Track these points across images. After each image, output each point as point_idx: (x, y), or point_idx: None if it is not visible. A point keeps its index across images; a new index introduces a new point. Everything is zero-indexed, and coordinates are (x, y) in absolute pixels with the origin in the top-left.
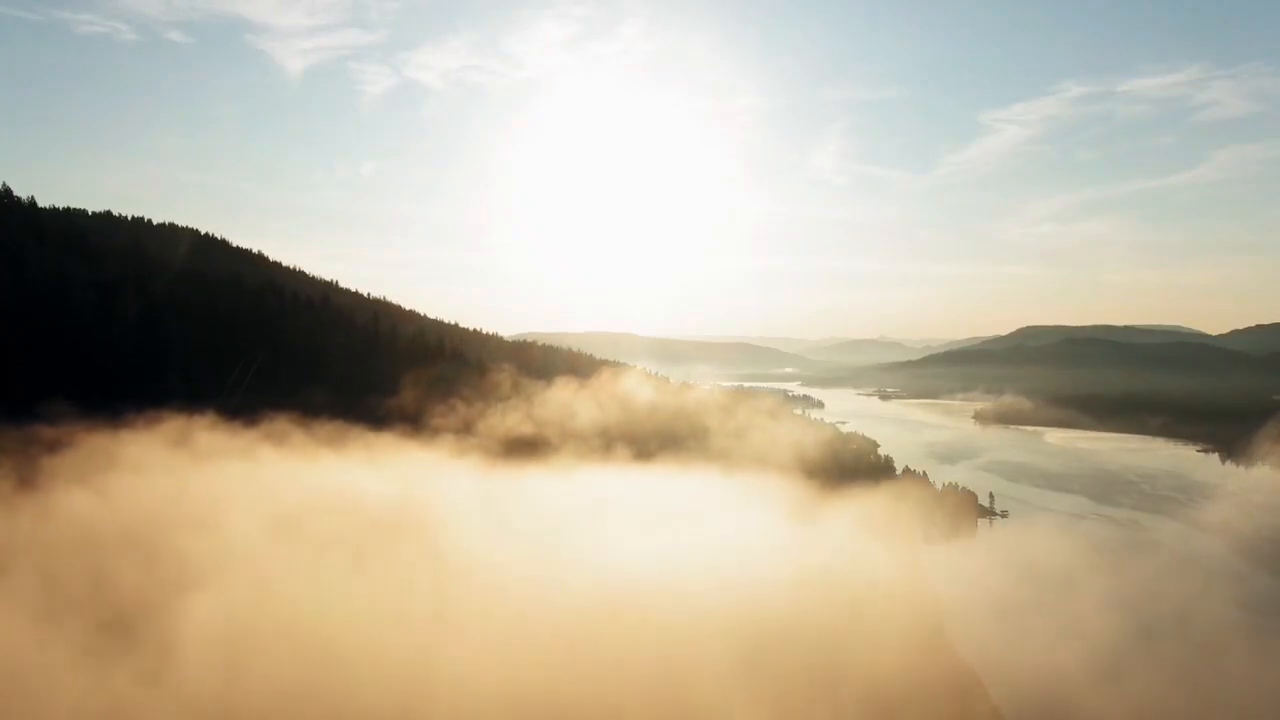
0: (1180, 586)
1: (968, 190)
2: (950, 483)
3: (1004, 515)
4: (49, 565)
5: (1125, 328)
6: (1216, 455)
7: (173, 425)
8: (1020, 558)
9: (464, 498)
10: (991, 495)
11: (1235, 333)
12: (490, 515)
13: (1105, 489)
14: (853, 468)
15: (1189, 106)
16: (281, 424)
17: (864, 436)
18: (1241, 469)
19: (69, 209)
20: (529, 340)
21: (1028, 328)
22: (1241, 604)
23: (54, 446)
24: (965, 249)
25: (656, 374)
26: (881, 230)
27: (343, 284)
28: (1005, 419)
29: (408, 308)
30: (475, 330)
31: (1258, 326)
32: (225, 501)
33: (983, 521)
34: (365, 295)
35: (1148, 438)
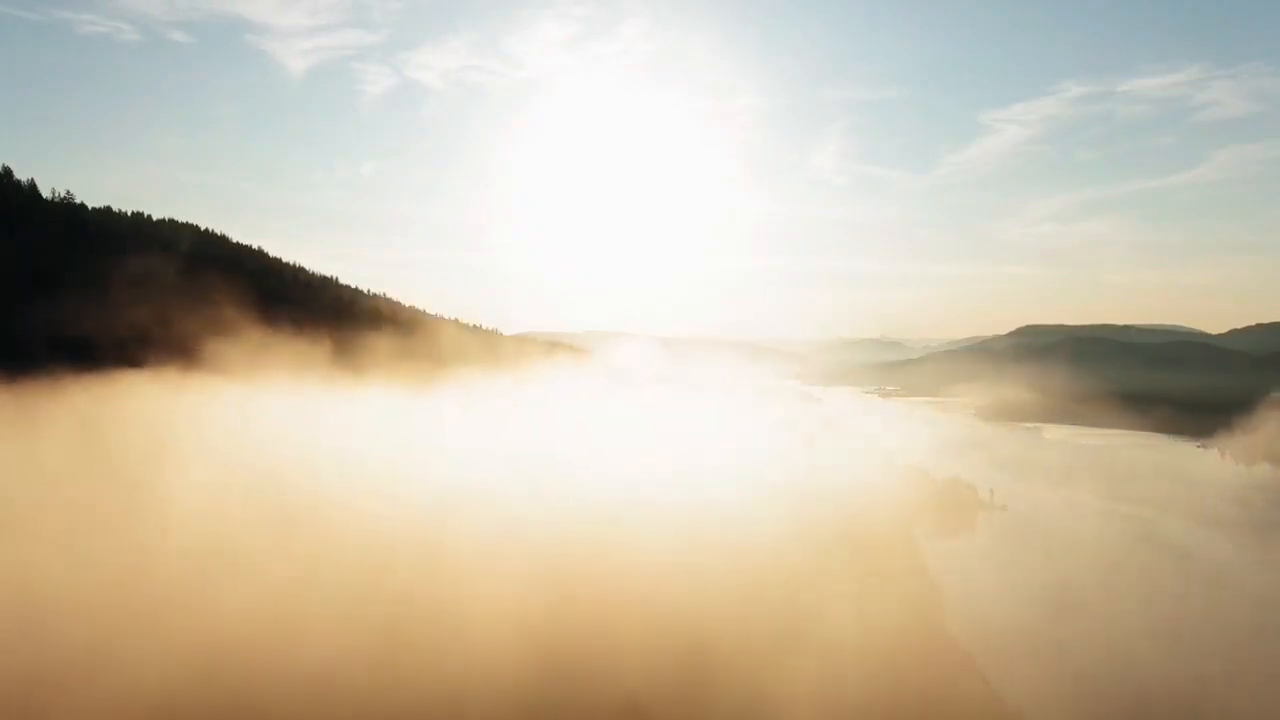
0: (1169, 573)
1: (968, 190)
2: (951, 476)
3: (1004, 509)
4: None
5: (1125, 327)
6: (1215, 452)
7: (169, 378)
8: (1019, 549)
9: (458, 429)
10: (992, 490)
11: (1235, 332)
12: (487, 440)
13: (1105, 484)
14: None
15: (1189, 106)
16: (279, 379)
17: (864, 432)
18: (1241, 466)
19: (69, 195)
20: (529, 337)
21: (1028, 327)
22: (1230, 591)
23: (53, 390)
24: (965, 249)
25: (657, 370)
26: (881, 230)
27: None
28: (1006, 416)
29: (408, 304)
30: (475, 326)
31: (1258, 326)
32: (221, 419)
33: (983, 515)
34: (365, 291)
35: (1148, 434)
